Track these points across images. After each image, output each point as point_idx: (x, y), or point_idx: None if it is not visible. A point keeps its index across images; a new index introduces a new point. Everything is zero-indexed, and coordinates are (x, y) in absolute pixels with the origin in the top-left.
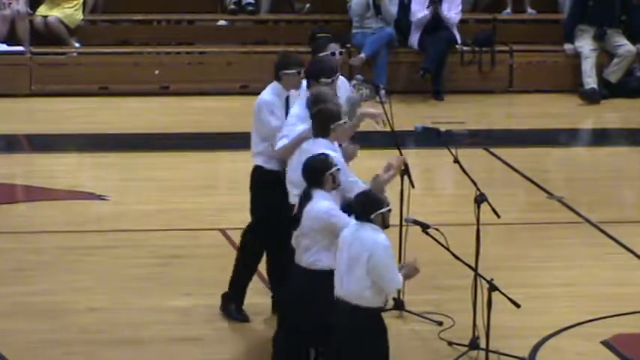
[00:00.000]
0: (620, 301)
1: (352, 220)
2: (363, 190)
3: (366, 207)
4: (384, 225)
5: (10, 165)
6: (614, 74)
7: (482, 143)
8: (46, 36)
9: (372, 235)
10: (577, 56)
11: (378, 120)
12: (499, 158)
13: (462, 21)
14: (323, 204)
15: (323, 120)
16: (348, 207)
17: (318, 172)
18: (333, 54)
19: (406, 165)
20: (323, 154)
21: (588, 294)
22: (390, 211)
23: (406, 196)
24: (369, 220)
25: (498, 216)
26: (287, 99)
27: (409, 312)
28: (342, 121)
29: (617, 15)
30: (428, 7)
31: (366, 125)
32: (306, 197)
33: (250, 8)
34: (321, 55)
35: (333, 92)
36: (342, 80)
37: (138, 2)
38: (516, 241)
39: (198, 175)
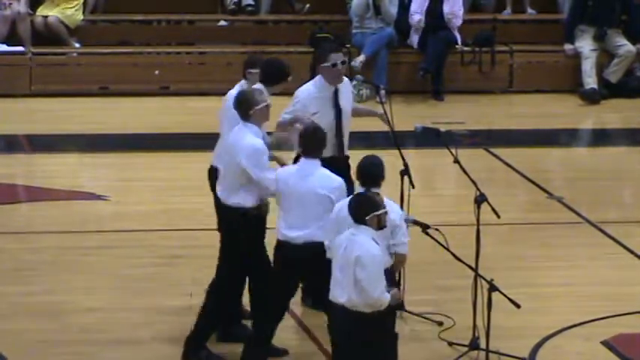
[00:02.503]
0: (620, 301)
1: None
2: (360, 192)
3: (362, 209)
4: (380, 227)
5: (10, 165)
6: (614, 74)
7: (483, 143)
8: (46, 36)
9: (366, 243)
10: (577, 56)
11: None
12: (499, 158)
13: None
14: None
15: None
16: None
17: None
18: (334, 65)
19: (406, 165)
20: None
21: (588, 294)
22: (386, 213)
23: (406, 196)
24: (364, 223)
25: (498, 216)
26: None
27: (409, 312)
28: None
29: (617, 15)
30: (427, 7)
31: (367, 125)
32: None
33: (250, 8)
34: (323, 65)
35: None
36: (344, 81)
37: (138, 2)
38: (516, 241)
39: (198, 175)
